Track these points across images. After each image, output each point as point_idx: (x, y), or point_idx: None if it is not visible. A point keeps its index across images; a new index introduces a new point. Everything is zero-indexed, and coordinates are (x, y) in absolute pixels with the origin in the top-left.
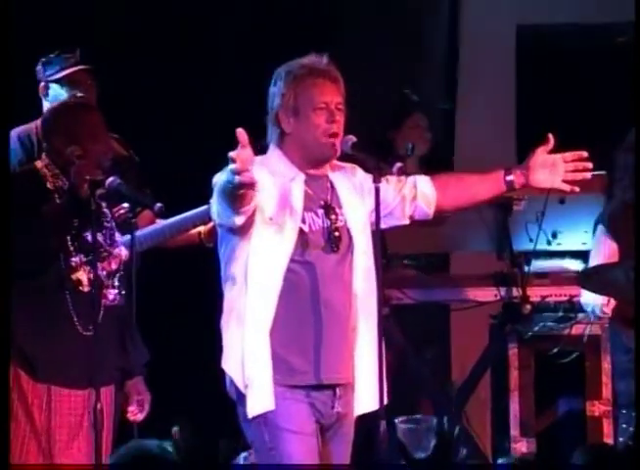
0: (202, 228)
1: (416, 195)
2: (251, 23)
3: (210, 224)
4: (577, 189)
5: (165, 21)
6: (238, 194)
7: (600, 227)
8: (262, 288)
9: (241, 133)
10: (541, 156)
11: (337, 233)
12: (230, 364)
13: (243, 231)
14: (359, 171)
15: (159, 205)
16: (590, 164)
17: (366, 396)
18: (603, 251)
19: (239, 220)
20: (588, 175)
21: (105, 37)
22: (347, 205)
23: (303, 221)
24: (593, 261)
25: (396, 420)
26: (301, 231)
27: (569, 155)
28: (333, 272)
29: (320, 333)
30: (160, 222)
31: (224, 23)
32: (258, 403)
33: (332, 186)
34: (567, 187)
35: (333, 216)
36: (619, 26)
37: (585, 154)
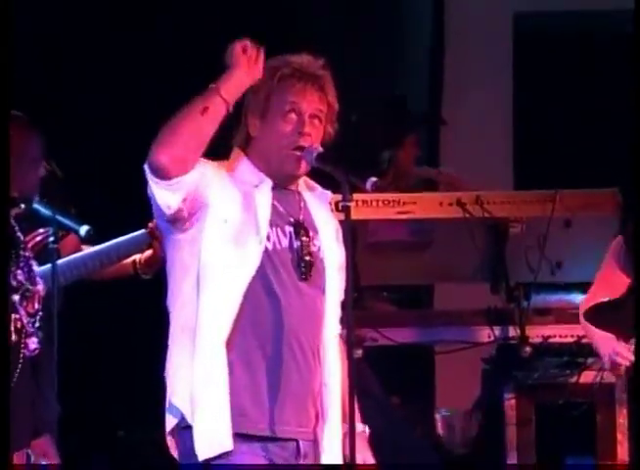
0: (137, 256)
1: None
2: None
3: (148, 252)
4: None
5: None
6: None
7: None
8: (216, 310)
9: None
10: None
11: (308, 258)
12: (179, 396)
13: (185, 231)
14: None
15: (86, 227)
16: None
17: None
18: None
19: (173, 200)
20: None
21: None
22: (324, 235)
23: (267, 238)
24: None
25: None
26: (264, 249)
27: None
28: (301, 306)
29: (278, 376)
30: (88, 249)
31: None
32: (213, 442)
33: (305, 206)
34: None
35: (304, 238)
36: (626, 14)
37: None
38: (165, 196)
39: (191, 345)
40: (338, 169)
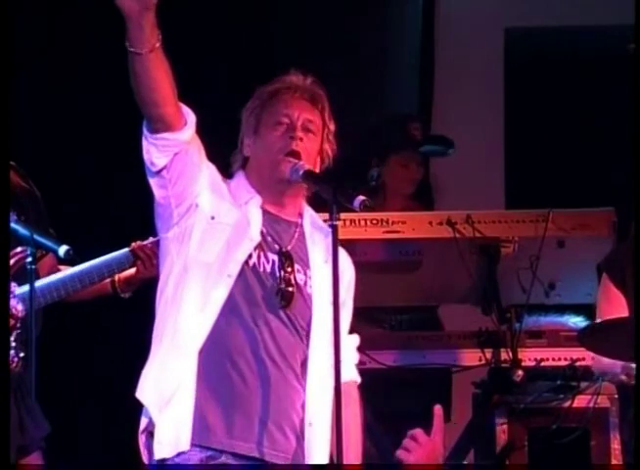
0: (116, 275)
1: None
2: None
3: (129, 271)
4: None
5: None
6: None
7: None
8: (194, 314)
9: None
10: None
11: (290, 288)
12: (146, 387)
13: (172, 227)
14: (345, 259)
15: (65, 248)
16: None
17: None
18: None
19: (158, 159)
20: None
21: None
22: (318, 272)
23: (250, 256)
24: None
25: None
26: (244, 267)
27: None
28: (280, 332)
29: (247, 392)
30: (66, 270)
31: None
32: (171, 442)
33: (300, 238)
34: None
35: (289, 269)
36: (620, 29)
37: None
38: (151, 151)
39: (166, 348)
40: (325, 188)
